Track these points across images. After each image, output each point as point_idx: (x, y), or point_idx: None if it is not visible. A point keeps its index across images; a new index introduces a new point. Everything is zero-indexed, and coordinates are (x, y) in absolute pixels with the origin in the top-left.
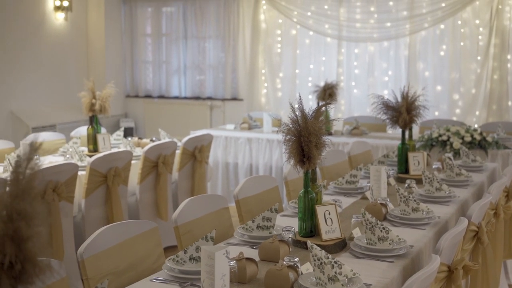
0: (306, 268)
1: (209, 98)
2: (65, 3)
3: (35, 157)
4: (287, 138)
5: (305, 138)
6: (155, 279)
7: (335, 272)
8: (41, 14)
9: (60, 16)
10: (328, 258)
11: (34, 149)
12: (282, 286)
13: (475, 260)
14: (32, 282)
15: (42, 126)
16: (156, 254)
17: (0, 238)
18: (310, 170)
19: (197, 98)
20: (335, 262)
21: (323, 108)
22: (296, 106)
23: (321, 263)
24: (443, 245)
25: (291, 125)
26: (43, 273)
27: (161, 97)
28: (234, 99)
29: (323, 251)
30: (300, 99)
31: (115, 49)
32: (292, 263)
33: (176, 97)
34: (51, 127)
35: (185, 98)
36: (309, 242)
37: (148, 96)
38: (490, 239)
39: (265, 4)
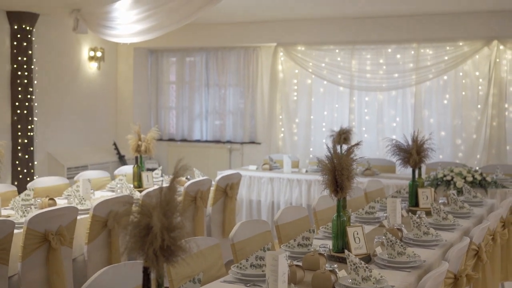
0: (341, 274)
1: (229, 142)
2: (99, 54)
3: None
4: (323, 172)
5: (339, 172)
6: (224, 281)
7: (367, 275)
8: (76, 64)
9: (93, 66)
10: (361, 263)
11: (177, 171)
12: (326, 286)
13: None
14: (175, 261)
15: (76, 166)
16: (219, 265)
17: (161, 228)
18: (341, 198)
19: (217, 141)
20: (366, 267)
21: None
22: (331, 147)
23: (356, 267)
24: (450, 256)
25: (327, 162)
26: (184, 253)
27: (184, 140)
28: (252, 142)
29: (357, 258)
30: (334, 143)
31: (142, 95)
32: (332, 269)
33: (198, 141)
34: (84, 167)
35: (206, 141)
36: (347, 251)
37: (172, 140)
38: (488, 258)
39: (282, 56)
